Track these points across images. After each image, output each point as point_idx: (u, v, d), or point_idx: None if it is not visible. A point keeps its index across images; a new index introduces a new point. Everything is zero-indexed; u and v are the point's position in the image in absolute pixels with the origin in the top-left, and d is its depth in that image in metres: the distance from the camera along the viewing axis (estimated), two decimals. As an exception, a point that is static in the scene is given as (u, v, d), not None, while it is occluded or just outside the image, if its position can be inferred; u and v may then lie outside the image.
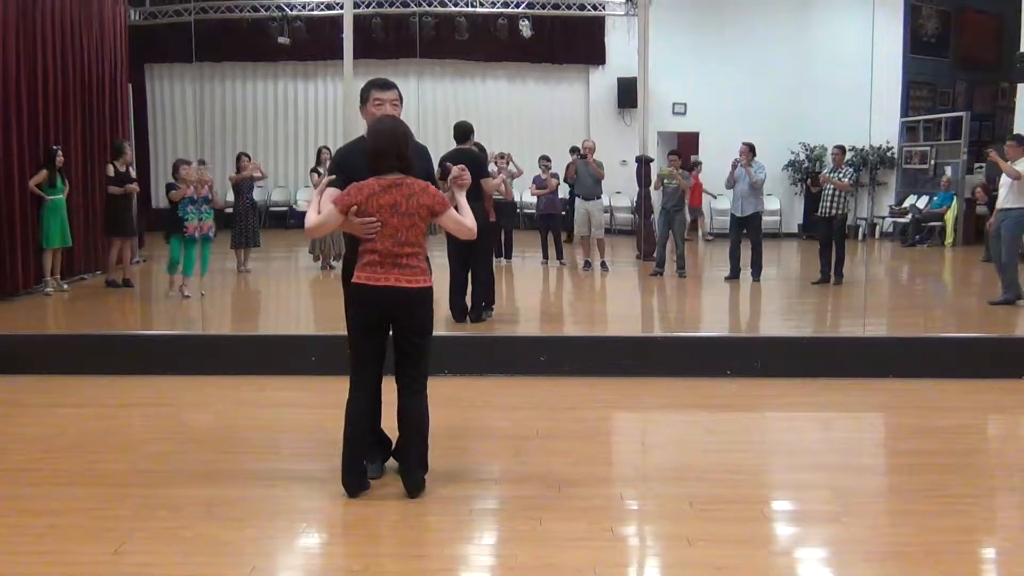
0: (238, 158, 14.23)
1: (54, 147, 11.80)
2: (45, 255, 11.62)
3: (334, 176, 5.08)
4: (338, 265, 14.36)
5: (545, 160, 15.55)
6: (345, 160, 5.18)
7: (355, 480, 5.04)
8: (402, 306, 4.94)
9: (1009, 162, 10.81)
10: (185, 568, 4.20)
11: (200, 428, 6.75)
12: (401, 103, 5.28)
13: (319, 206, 5.00)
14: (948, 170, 18.84)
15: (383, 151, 4.91)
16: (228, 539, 4.54)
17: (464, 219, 5.09)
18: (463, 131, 9.84)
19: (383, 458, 5.44)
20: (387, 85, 5.27)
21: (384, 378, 5.21)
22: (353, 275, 5.02)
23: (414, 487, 5.04)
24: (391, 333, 5.07)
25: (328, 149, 14.69)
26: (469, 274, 9.66)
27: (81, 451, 5.98)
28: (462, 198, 5.18)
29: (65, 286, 11.96)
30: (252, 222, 13.84)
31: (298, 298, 13.07)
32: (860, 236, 19.50)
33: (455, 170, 5.23)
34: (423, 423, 5.09)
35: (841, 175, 12.71)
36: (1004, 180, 10.95)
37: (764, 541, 4.65)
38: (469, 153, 9.60)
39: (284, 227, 20.34)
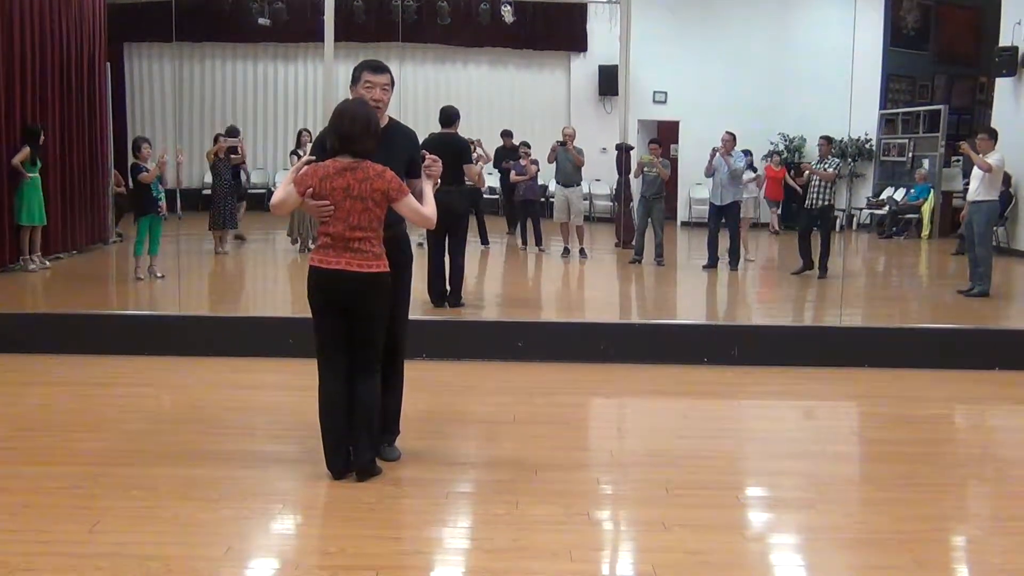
0: (215, 139, 14.14)
1: (39, 125, 11.78)
2: (24, 232, 11.62)
3: (314, 157, 5.07)
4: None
5: (525, 147, 15.52)
6: (325, 142, 5.15)
7: (338, 463, 5.03)
8: (352, 290, 4.90)
9: (980, 155, 10.89)
10: (160, 548, 4.18)
11: (176, 408, 6.72)
12: (392, 87, 5.26)
13: (289, 182, 4.99)
14: (925, 163, 18.95)
15: (331, 131, 4.90)
16: (203, 519, 4.53)
17: (422, 208, 5.04)
18: (448, 115, 9.78)
19: (389, 440, 5.42)
20: (380, 68, 5.23)
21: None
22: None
23: (362, 470, 5.02)
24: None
25: (308, 132, 14.63)
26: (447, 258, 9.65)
27: (56, 430, 5.95)
28: (428, 187, 5.17)
29: (47, 263, 11.94)
30: (230, 204, 13.76)
31: (276, 280, 13.02)
32: (837, 227, 19.55)
33: (428, 159, 5.22)
34: (371, 407, 5.04)
35: (826, 165, 12.67)
36: (976, 173, 11.05)
37: (740, 527, 4.69)
38: (452, 138, 9.57)
39: (263, 209, 20.21)
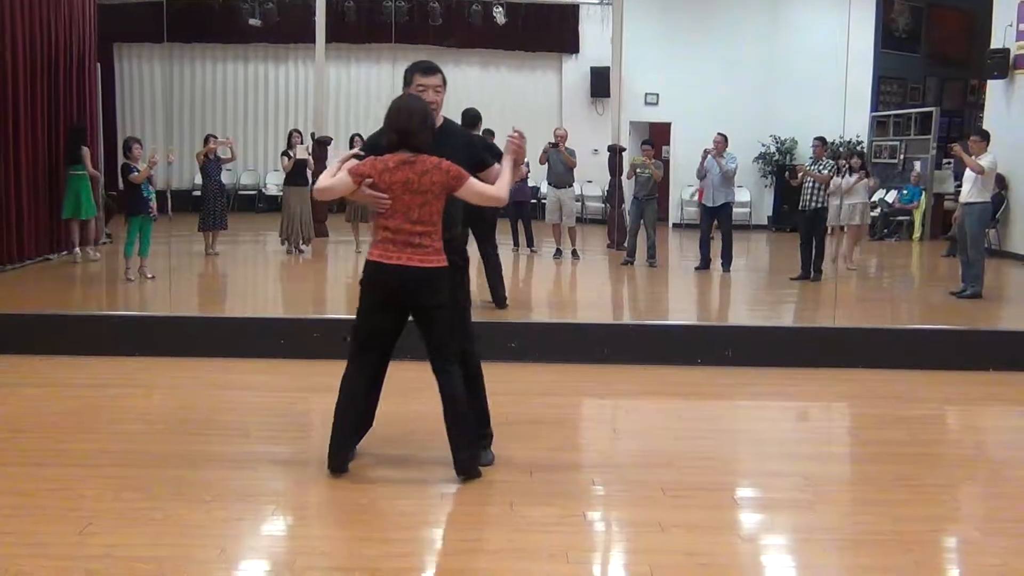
0: (206, 140, 14.07)
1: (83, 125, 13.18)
2: (74, 224, 12.64)
3: (363, 153, 5.05)
4: (308, 249, 14.28)
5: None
6: (378, 143, 5.08)
7: (340, 460, 5.01)
8: (413, 286, 4.88)
9: (973, 157, 10.89)
10: (152, 550, 4.15)
11: (168, 409, 6.67)
12: (445, 87, 5.19)
13: (335, 172, 4.97)
14: (917, 165, 18.96)
15: (388, 126, 4.89)
16: (196, 521, 4.49)
17: (487, 188, 4.99)
18: (471, 117, 9.69)
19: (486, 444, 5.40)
20: (431, 70, 5.18)
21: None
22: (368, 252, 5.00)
23: (462, 468, 4.98)
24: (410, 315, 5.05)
25: (299, 132, 14.53)
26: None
27: (48, 431, 5.90)
28: (508, 164, 5.08)
29: (97, 254, 12.95)
30: (220, 205, 13.69)
31: (266, 281, 12.98)
32: (829, 230, 19.56)
33: (515, 131, 5.13)
34: (459, 401, 5.03)
35: (820, 167, 12.61)
36: (968, 175, 11.05)
37: (736, 528, 4.67)
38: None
39: (253, 211, 20.18)
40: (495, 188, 5.01)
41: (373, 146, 5.11)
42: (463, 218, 5.38)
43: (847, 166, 13.80)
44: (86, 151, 12.79)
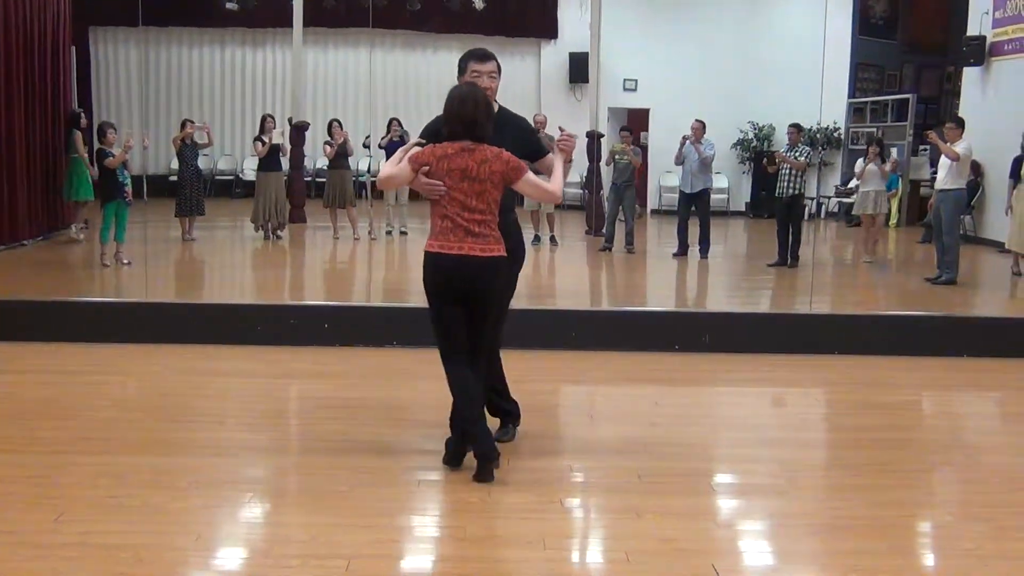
0: (182, 125, 13.97)
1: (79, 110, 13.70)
2: (80, 206, 13.33)
3: (424, 140, 5.04)
4: (284, 235, 14.22)
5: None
6: (437, 130, 5.07)
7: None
8: (471, 275, 4.86)
9: (948, 143, 10.95)
10: (128, 537, 4.13)
11: (144, 396, 6.64)
12: (499, 74, 5.21)
13: (399, 161, 4.97)
14: (893, 152, 19.01)
15: (451, 117, 4.87)
16: (172, 508, 4.48)
17: (543, 183, 5.03)
18: None
19: (512, 422, 5.55)
20: (485, 57, 5.20)
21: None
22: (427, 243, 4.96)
23: (485, 455, 4.94)
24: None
25: (272, 118, 14.42)
26: None
27: (23, 418, 5.86)
28: (559, 162, 5.15)
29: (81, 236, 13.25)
30: (197, 190, 13.62)
31: (243, 267, 12.91)
32: (806, 216, 19.62)
33: (565, 134, 5.23)
34: (474, 391, 5.01)
35: (797, 154, 12.65)
36: (943, 161, 11.12)
37: (712, 514, 4.69)
38: None
39: (230, 196, 20.06)
40: (552, 184, 5.06)
41: (433, 133, 5.10)
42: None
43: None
44: (77, 135, 13.04)
